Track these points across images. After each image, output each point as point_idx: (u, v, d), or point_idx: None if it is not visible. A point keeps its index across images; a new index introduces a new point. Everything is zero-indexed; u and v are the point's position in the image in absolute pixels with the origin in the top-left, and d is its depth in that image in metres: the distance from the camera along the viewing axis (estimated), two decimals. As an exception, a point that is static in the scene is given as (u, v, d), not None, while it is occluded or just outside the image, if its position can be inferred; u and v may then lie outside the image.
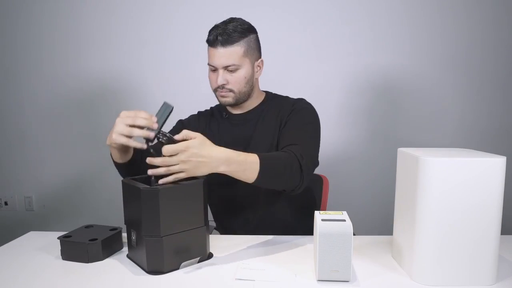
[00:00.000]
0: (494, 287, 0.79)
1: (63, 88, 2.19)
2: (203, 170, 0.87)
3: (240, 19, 1.15)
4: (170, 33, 2.10)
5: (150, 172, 0.85)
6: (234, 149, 1.00)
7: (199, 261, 0.92)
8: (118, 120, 0.89)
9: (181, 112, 2.31)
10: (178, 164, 0.83)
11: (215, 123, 1.27)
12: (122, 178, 0.96)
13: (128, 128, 0.88)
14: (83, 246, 0.91)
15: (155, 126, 0.87)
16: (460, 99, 2.06)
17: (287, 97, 1.27)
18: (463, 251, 0.78)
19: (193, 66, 2.11)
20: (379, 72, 2.06)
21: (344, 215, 0.84)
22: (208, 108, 1.36)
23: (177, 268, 0.88)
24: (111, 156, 1.02)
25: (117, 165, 1.04)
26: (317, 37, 2.05)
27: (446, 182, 0.77)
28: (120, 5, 2.10)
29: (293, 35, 2.05)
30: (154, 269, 0.86)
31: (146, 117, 0.89)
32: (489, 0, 1.98)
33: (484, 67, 2.03)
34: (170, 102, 0.92)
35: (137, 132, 0.88)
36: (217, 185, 1.19)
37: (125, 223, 0.94)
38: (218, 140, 1.17)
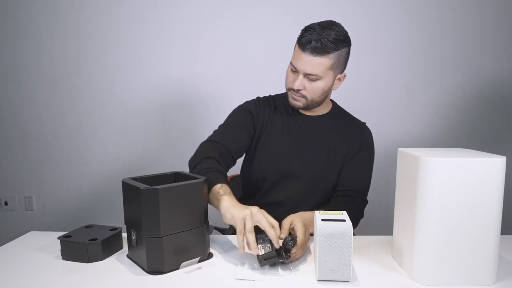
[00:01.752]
0: (494, 287, 0.79)
1: (63, 88, 2.19)
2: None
3: (339, 26, 1.08)
4: (170, 33, 2.10)
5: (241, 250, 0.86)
6: (292, 150, 1.18)
7: (199, 261, 0.92)
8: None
9: (182, 113, 2.31)
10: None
11: (279, 117, 1.23)
12: (122, 178, 0.96)
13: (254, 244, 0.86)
14: (83, 246, 0.91)
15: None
16: (460, 99, 2.06)
17: (354, 118, 1.29)
18: (463, 251, 0.78)
19: (194, 66, 2.11)
20: (379, 72, 2.06)
21: (344, 215, 0.84)
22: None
23: (177, 268, 0.88)
24: (210, 194, 0.98)
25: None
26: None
27: (446, 182, 0.77)
28: (120, 5, 2.10)
29: (293, 35, 2.05)
30: (154, 269, 0.86)
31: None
32: (489, 0, 1.98)
33: (484, 66, 2.03)
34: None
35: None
36: (259, 179, 1.22)
37: (125, 223, 0.94)
38: (280, 136, 1.20)
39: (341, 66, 1.12)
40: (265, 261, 0.83)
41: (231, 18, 2.06)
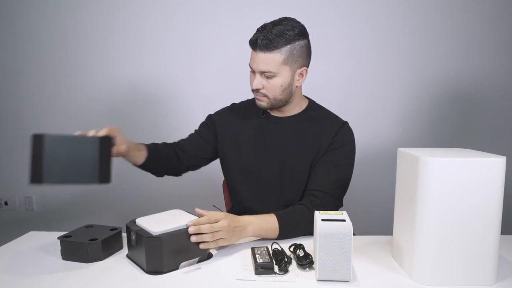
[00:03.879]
0: (494, 287, 0.79)
1: (63, 88, 2.19)
2: (237, 236, 0.97)
3: (292, 21, 1.07)
4: (170, 33, 2.10)
5: (194, 238, 0.88)
6: (266, 153, 1.16)
7: (199, 261, 0.92)
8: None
9: (182, 112, 2.31)
10: (221, 230, 0.91)
11: (250, 121, 1.23)
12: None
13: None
14: (83, 246, 0.91)
15: None
16: (459, 98, 2.06)
17: (331, 114, 1.22)
18: (463, 251, 0.78)
19: (194, 66, 2.12)
20: (379, 72, 2.06)
21: (344, 215, 0.84)
22: (210, 109, 1.34)
23: (176, 268, 0.88)
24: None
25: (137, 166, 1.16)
26: (317, 37, 2.04)
27: (446, 182, 0.77)
28: (120, 5, 2.10)
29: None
30: (154, 269, 0.86)
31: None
32: (489, 0, 1.98)
33: (484, 66, 2.03)
34: None
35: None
36: (237, 181, 1.23)
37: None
38: (250, 139, 1.20)
39: (298, 61, 1.09)
40: (261, 270, 0.84)
41: (231, 19, 2.06)
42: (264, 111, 1.20)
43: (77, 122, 2.21)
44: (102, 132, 0.94)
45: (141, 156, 1.13)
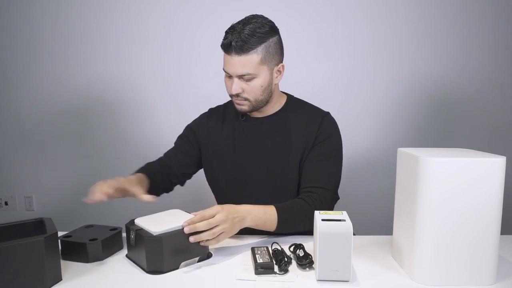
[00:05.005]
0: (494, 287, 0.79)
1: (63, 87, 2.19)
2: (237, 227, 0.94)
3: (260, 18, 1.04)
4: (170, 33, 2.10)
5: (192, 239, 0.87)
6: (249, 157, 1.12)
7: (199, 261, 0.92)
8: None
9: (182, 112, 2.31)
10: (219, 225, 0.89)
11: (229, 125, 1.20)
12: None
13: None
14: (83, 246, 0.91)
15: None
16: (459, 98, 2.06)
17: (312, 107, 1.19)
18: (463, 251, 0.78)
19: (194, 66, 2.11)
20: (379, 72, 2.06)
21: (344, 215, 0.84)
22: (216, 104, 1.30)
23: (177, 268, 0.88)
24: None
25: None
26: (317, 37, 2.05)
27: (446, 182, 0.77)
28: (120, 5, 2.10)
29: (293, 35, 2.05)
30: (154, 269, 0.86)
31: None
32: (489, 0, 1.98)
33: (484, 66, 2.03)
34: None
35: None
36: (225, 189, 1.20)
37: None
38: (232, 144, 1.18)
39: (275, 58, 1.06)
40: (261, 270, 0.84)
41: (232, 19, 2.06)
42: (243, 114, 1.17)
43: (77, 122, 2.21)
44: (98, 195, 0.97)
45: (146, 186, 1.12)
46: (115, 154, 2.19)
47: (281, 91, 1.21)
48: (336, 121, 1.19)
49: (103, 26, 2.12)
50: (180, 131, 1.31)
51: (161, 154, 1.28)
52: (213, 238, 0.90)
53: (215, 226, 0.89)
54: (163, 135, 2.16)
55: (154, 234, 0.85)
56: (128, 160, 2.15)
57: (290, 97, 1.21)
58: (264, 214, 0.99)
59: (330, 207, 1.09)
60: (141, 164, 1.25)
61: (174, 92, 2.14)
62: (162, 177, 1.20)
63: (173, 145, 1.28)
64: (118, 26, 2.12)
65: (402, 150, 0.89)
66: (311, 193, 1.07)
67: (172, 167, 1.22)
